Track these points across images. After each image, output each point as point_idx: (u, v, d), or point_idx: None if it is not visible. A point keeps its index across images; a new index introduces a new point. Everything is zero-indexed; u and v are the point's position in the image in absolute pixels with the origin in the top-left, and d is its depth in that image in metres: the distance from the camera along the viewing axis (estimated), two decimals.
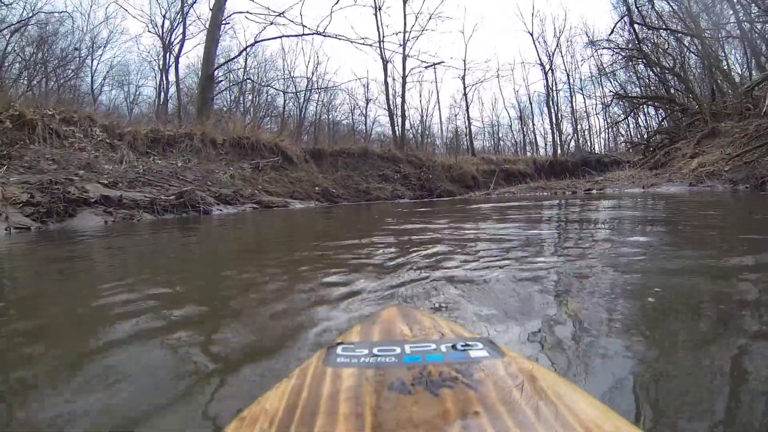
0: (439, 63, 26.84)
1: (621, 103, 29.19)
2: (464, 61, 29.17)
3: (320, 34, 17.79)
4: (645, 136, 27.55)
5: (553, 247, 2.92)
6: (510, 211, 7.13)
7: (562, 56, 30.88)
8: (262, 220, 7.85)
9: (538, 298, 1.58)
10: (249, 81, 24.23)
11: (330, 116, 31.50)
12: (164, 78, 24.72)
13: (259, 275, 2.22)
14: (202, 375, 1.07)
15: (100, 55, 27.01)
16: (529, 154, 31.26)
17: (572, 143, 31.32)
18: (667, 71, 21.92)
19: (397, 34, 23.20)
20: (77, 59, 25.88)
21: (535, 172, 24.04)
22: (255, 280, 2.12)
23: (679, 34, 20.83)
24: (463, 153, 26.09)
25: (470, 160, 24.39)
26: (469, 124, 29.26)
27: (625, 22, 22.69)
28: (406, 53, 23.36)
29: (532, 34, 29.19)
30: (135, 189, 9.32)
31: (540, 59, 29.14)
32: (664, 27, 20.11)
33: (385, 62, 23.08)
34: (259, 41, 20.91)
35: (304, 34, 18.12)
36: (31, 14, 21.74)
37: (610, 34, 23.70)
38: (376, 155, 20.32)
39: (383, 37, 21.82)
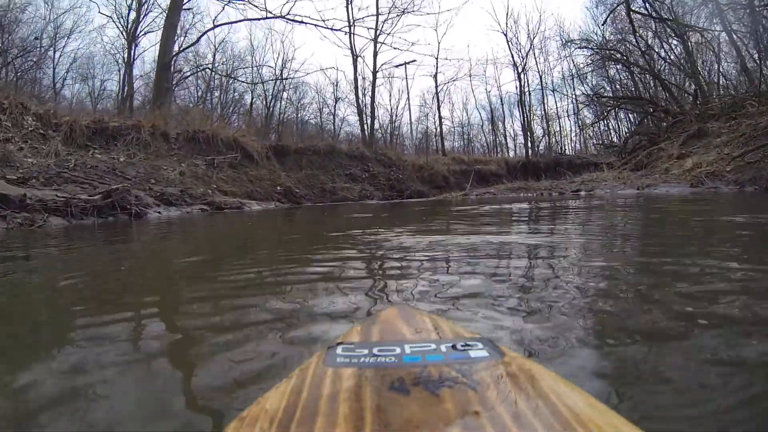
0: (411, 61, 26.40)
1: (593, 106, 28.76)
2: (437, 58, 27.45)
3: (283, 17, 16.09)
4: (617, 138, 26.42)
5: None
6: (517, 219, 5.90)
7: (535, 58, 29.51)
8: (202, 229, 6.56)
9: None
10: (209, 70, 21.91)
11: (299, 115, 30.53)
12: (128, 71, 23.39)
13: None
14: None
15: (63, 46, 25.33)
16: (499, 155, 29.38)
17: (542, 145, 29.53)
18: (646, 72, 20.60)
19: (368, 18, 20.96)
20: (38, 49, 24.04)
21: (507, 173, 23.05)
22: None
23: (668, 30, 19.35)
24: (432, 153, 24.69)
25: (441, 160, 23.30)
26: (441, 123, 27.84)
27: (617, 12, 21.13)
28: (377, 48, 21.67)
29: (506, 35, 27.49)
30: (52, 187, 7.39)
31: (513, 60, 27.66)
32: (660, 17, 18.63)
33: (355, 57, 21.58)
34: (219, 25, 19.98)
35: (267, 18, 16.70)
36: None
37: (603, 23, 22.56)
38: (344, 153, 19.06)
39: (353, 21, 19.77)
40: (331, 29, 18.95)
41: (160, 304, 1.87)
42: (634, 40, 23.00)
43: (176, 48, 16.89)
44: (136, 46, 23.43)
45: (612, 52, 24.43)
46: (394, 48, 23.29)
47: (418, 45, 35.06)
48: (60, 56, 25.15)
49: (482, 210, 7.71)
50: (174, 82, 18.81)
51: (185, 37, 23.11)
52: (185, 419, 0.87)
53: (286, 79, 25.94)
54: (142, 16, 22.72)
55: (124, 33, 23.29)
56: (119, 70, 24.45)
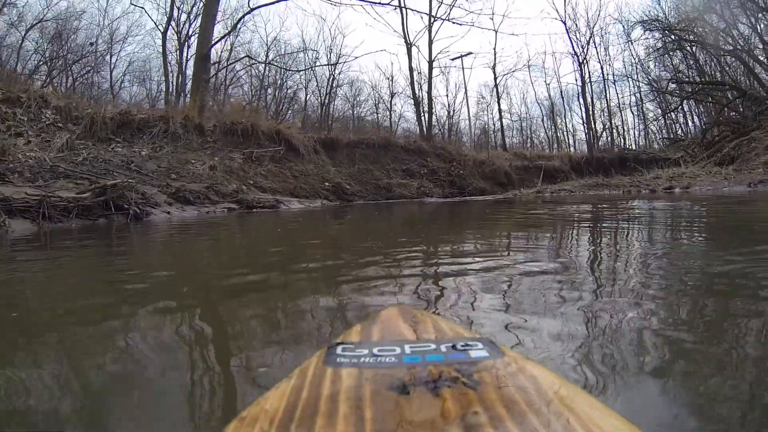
0: (467, 54, 23.92)
1: (660, 96, 26.18)
2: (494, 49, 25.82)
3: None
4: (682, 131, 23.12)
5: None
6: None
7: (595, 47, 27.41)
8: (194, 242, 4.84)
9: None
10: (249, 60, 20.40)
11: (354, 112, 29.50)
12: (165, 68, 23.20)
13: None
14: None
15: (119, 50, 25.57)
16: (557, 150, 28.54)
17: (602, 139, 26.95)
18: (727, 55, 17.57)
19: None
20: (94, 54, 23.94)
21: (570, 169, 21.21)
22: None
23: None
24: (491, 149, 24.16)
25: (502, 155, 21.58)
26: (501, 116, 25.56)
27: None
28: (432, 36, 19.52)
29: (564, 23, 24.88)
30: (36, 183, 5.67)
31: (574, 50, 25.99)
32: None
33: (409, 45, 19.35)
34: (256, 8, 18.38)
35: None
36: (47, 8, 21.39)
37: None
38: (400, 147, 17.48)
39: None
40: (379, 4, 16.90)
41: None
42: (710, 20, 19.80)
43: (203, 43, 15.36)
44: (189, 47, 22.47)
45: (685, 32, 21.15)
46: (453, 22, 20.66)
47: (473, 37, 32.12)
48: (116, 60, 25.59)
49: (597, 213, 5.52)
50: (215, 73, 17.50)
51: (237, 36, 23.48)
52: None
53: (337, 63, 25.07)
54: (193, 17, 21.71)
55: (160, 27, 23.03)
56: (171, 72, 24.14)
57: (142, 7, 22.77)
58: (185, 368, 1.14)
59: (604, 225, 4.68)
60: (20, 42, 21.51)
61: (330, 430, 0.41)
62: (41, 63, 22.10)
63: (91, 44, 23.49)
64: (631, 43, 27.79)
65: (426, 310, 0.78)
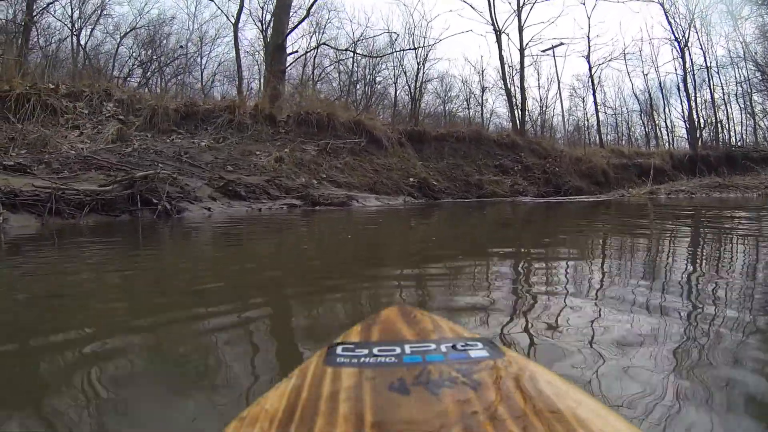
0: (558, 45, 22.16)
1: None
2: (588, 36, 24.47)
3: None
4: None
5: None
6: None
7: (697, 32, 25.32)
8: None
9: None
10: (327, 47, 20.11)
11: (446, 108, 27.66)
12: (239, 61, 22.03)
13: None
14: None
15: (209, 51, 25.83)
16: (654, 147, 26.40)
17: (704, 135, 26.18)
18: None
19: None
20: (185, 56, 24.66)
21: (672, 168, 19.63)
22: None
23: None
24: (585, 145, 22.49)
25: (598, 152, 20.24)
26: (597, 110, 25.77)
27: None
28: (522, 22, 18.02)
29: (662, 5, 24.22)
30: (60, 174, 6.06)
31: (674, 35, 24.35)
32: None
33: (498, 33, 17.56)
34: None
35: None
36: (139, 17, 22.61)
37: None
38: (492, 141, 16.35)
39: None
40: None
41: None
42: None
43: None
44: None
45: None
46: None
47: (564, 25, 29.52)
48: (206, 61, 26.35)
49: None
50: (292, 63, 16.97)
51: (322, 33, 23.00)
52: None
53: (423, 47, 23.37)
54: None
55: (231, 18, 23.14)
56: (259, 69, 23.44)
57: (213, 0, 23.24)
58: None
59: None
60: (116, 49, 23.57)
61: (330, 430, 0.41)
62: (135, 66, 23.25)
63: (181, 47, 24.94)
64: (737, 27, 24.86)
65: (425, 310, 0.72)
